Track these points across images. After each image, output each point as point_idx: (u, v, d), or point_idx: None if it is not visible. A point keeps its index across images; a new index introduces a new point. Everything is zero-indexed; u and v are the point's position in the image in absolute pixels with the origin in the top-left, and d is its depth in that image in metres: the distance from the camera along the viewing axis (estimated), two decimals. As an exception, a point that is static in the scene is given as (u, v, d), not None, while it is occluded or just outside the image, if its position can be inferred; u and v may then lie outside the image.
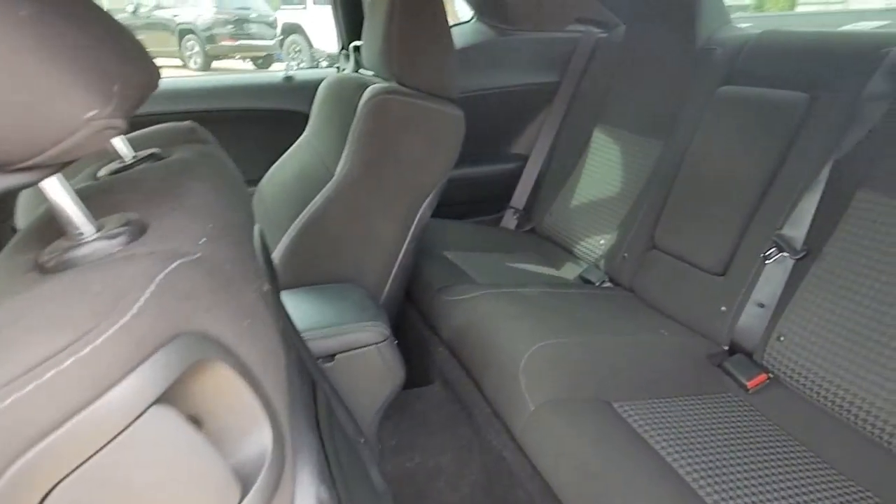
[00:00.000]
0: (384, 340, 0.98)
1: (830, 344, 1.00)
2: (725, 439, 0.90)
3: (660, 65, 1.53)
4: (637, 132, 1.56)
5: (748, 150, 1.21)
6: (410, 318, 1.44)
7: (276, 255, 1.16)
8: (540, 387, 1.00)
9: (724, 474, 0.82)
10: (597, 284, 1.50)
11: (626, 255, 1.44)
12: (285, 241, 1.16)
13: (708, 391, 1.07)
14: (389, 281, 1.23)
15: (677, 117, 1.44)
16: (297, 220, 1.16)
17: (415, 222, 1.20)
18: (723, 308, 1.18)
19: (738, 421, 0.98)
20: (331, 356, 0.95)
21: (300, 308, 1.00)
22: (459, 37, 1.70)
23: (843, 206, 1.05)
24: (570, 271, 1.63)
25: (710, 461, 0.84)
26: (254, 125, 1.65)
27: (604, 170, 1.63)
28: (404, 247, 1.21)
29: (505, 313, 1.18)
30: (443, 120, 1.16)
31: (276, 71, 1.68)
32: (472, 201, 1.93)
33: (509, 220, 1.92)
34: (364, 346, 0.97)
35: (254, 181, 1.54)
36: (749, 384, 1.08)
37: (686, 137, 1.38)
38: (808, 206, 1.06)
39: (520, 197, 1.90)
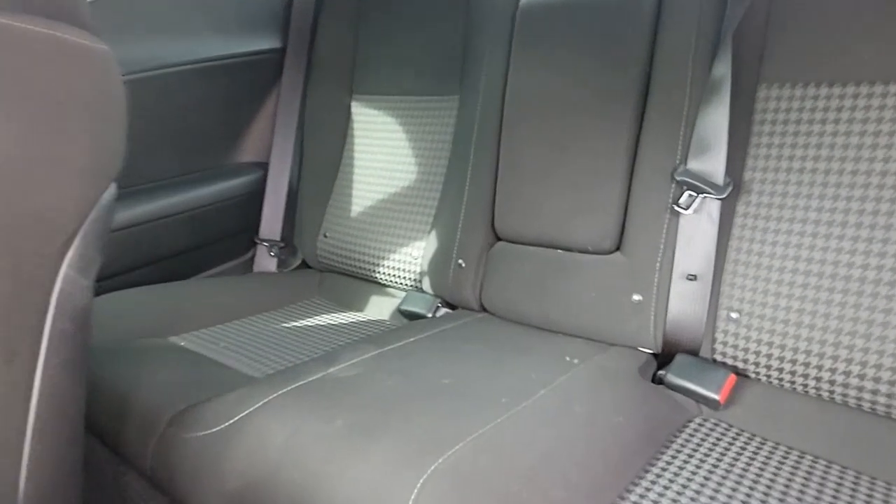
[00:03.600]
0: None
1: (803, 302, 0.70)
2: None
3: None
4: (416, 92, 1.11)
5: (592, 70, 0.86)
6: (124, 488, 0.72)
7: None
8: None
9: None
10: (431, 316, 1.01)
11: (461, 261, 0.98)
12: None
13: (672, 428, 0.70)
14: (24, 463, 0.48)
15: (468, 58, 1.03)
16: None
17: (48, 319, 0.46)
18: (635, 297, 0.80)
19: (735, 461, 0.65)
20: None
21: None
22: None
23: (749, 112, 0.76)
24: (381, 309, 1.10)
25: None
26: None
27: (384, 154, 1.14)
28: (38, 372, 0.47)
29: (328, 431, 0.59)
30: (58, 56, 0.47)
31: None
32: (198, 246, 1.23)
33: (265, 261, 1.30)
34: None
35: None
36: (720, 397, 0.72)
37: (494, 81, 0.97)
38: (716, 121, 0.74)
39: (271, 223, 1.29)
